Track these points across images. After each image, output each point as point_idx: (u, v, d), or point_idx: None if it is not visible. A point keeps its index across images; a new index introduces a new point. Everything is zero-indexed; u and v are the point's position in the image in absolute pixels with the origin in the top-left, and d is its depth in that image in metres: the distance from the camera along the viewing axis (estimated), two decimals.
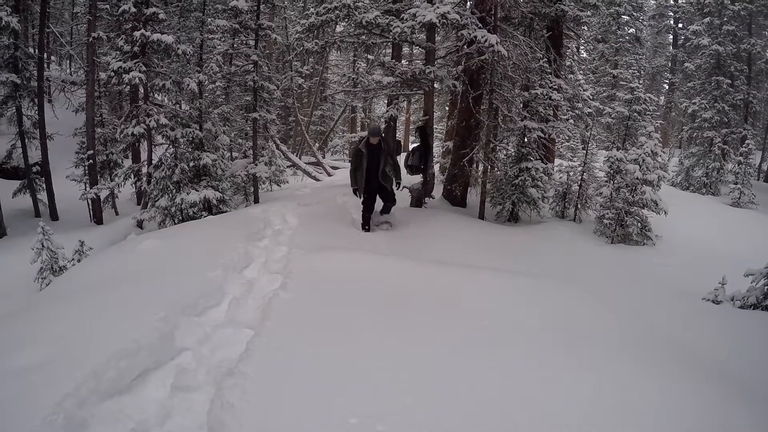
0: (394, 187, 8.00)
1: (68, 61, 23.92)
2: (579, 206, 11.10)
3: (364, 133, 11.64)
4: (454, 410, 2.69)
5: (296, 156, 20.64)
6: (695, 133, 20.14)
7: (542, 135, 10.31)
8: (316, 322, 3.69)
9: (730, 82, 19.59)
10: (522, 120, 10.22)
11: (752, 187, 15.92)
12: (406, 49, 17.62)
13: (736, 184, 15.79)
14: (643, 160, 9.60)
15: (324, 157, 23.33)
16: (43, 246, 7.97)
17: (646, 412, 2.80)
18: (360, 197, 7.83)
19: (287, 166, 17.14)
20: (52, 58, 23.52)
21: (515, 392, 2.91)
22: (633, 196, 9.69)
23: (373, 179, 7.65)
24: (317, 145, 24.67)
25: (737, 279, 5.83)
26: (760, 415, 2.98)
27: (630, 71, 22.91)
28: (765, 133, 25.89)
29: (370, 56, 17.65)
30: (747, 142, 17.26)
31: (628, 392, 2.98)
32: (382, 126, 10.20)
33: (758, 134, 24.52)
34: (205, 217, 9.99)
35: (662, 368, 3.38)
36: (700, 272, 7.41)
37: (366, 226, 7.77)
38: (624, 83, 19.58)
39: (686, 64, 22.13)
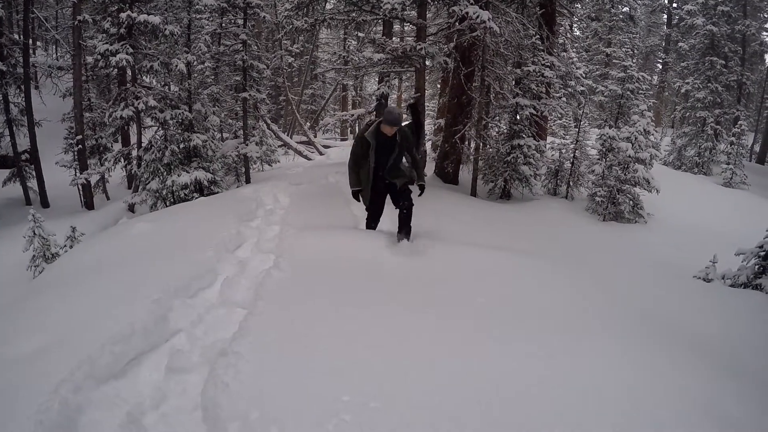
0: (413, 189, 5.56)
1: (54, 46, 23.56)
2: (571, 184, 11.13)
3: (358, 111, 11.13)
4: (450, 389, 2.69)
5: (287, 135, 20.54)
6: (688, 113, 20.20)
7: (534, 112, 10.28)
8: (309, 300, 3.68)
9: (723, 62, 19.59)
10: (514, 97, 10.17)
11: (744, 168, 16.07)
12: (397, 27, 17.45)
13: (728, 164, 15.90)
14: (636, 139, 9.62)
15: (315, 136, 23.23)
16: (34, 234, 7.93)
17: (635, 388, 2.82)
18: (360, 201, 5.62)
19: (278, 146, 17.07)
20: (38, 43, 23.21)
21: (511, 373, 2.91)
22: (625, 174, 9.71)
23: (379, 180, 5.45)
24: (308, 124, 24.54)
25: (728, 258, 5.88)
26: (747, 392, 3.02)
27: (623, 50, 22.73)
28: (758, 115, 25.99)
29: (360, 34, 17.44)
30: (740, 123, 17.34)
31: (615, 369, 3.00)
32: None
33: (751, 116, 24.61)
34: (196, 198, 9.95)
35: (653, 345, 3.41)
36: (692, 251, 7.48)
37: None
38: (617, 62, 19.48)
39: (680, 44, 22.08)
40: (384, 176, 5.38)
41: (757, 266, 5.56)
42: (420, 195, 5.46)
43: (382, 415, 2.46)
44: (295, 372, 2.79)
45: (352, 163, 5.45)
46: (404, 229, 5.34)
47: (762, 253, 5.52)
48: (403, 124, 5.36)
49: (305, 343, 3.10)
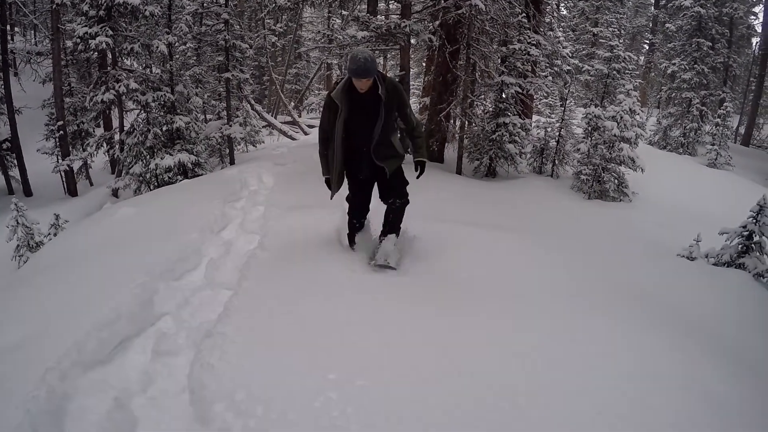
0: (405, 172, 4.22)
1: (33, 31, 23.05)
2: (556, 162, 11.17)
3: None
4: (432, 365, 2.72)
5: (271, 115, 20.35)
6: (674, 94, 20.26)
7: (520, 91, 10.25)
8: (294, 280, 3.68)
9: (710, 44, 19.59)
10: (500, 75, 10.14)
11: (729, 149, 16.25)
12: (382, 4, 17.22)
13: (713, 145, 16.04)
14: (621, 118, 9.64)
15: (300, 116, 23.07)
16: (17, 223, 7.86)
17: (634, 379, 2.79)
18: (332, 191, 4.12)
19: (262, 126, 16.91)
20: (16, 29, 22.66)
21: (488, 347, 2.95)
22: (610, 153, 9.75)
23: (362, 158, 3.95)
24: (293, 104, 24.35)
25: (711, 237, 5.95)
26: (747, 383, 3.03)
27: (610, 30, 22.69)
28: (743, 97, 26.14)
29: (344, 12, 17.24)
30: (725, 104, 17.43)
31: (604, 349, 3.03)
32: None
33: (737, 98, 24.73)
34: (180, 181, 9.87)
35: (648, 328, 3.40)
36: (676, 229, 7.53)
37: (354, 240, 4.38)
38: (604, 41, 19.45)
39: (667, 25, 22.05)
40: (371, 156, 3.89)
41: (740, 245, 5.65)
42: (418, 176, 4.10)
43: (368, 392, 2.48)
44: (280, 351, 2.81)
45: (321, 142, 4.02)
46: (391, 231, 4.18)
47: (745, 233, 5.59)
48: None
49: (291, 322, 3.11)
